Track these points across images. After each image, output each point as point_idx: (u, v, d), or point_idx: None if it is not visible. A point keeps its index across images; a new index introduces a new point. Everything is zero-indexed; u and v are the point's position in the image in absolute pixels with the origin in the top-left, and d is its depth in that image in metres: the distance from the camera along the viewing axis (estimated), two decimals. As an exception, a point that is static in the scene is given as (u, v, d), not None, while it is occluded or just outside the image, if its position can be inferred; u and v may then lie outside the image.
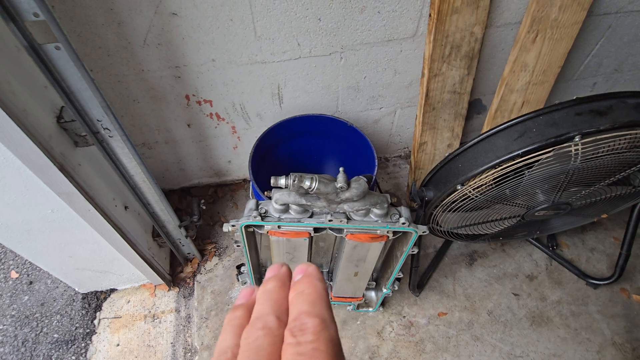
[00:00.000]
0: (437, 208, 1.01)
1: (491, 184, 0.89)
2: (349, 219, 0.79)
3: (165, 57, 1.02)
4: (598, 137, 0.75)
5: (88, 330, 1.21)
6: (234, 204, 1.49)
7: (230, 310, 0.23)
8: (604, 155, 0.80)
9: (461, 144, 1.39)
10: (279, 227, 0.80)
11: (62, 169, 0.73)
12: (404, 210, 0.83)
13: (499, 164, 0.84)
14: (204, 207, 1.22)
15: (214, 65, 1.07)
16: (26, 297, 1.28)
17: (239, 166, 1.47)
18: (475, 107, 1.45)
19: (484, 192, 0.91)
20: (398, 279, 1.05)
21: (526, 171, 0.86)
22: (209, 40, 1.00)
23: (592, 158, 0.80)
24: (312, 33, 1.05)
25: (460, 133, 1.31)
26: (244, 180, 1.55)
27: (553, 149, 0.78)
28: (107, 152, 0.82)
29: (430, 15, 1.06)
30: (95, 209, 0.85)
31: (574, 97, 0.82)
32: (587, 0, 1.05)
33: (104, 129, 0.77)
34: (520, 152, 0.80)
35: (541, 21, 1.09)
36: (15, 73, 0.64)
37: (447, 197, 0.95)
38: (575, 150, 0.77)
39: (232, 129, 1.30)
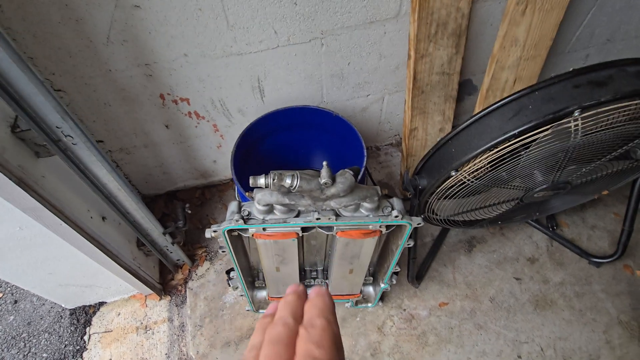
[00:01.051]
0: (432, 196, 0.96)
1: (487, 168, 0.84)
2: (337, 215, 0.74)
3: (133, 54, 0.95)
4: (599, 110, 0.70)
5: (78, 347, 1.16)
6: (223, 205, 1.44)
7: (260, 318, 0.32)
8: (604, 130, 0.75)
9: (453, 127, 1.34)
10: (264, 229, 0.75)
11: (22, 183, 0.67)
12: (396, 202, 0.78)
13: (493, 146, 0.79)
14: (189, 212, 1.16)
15: (186, 61, 1.00)
16: (12, 317, 1.23)
17: (225, 165, 1.41)
18: (465, 88, 1.40)
19: (480, 176, 0.86)
20: (395, 273, 1.00)
21: (523, 152, 0.82)
22: (179, 33, 0.94)
23: (592, 133, 0.75)
24: (289, 19, 0.98)
25: (452, 116, 1.26)
26: (232, 179, 1.49)
27: (551, 126, 0.73)
28: (73, 161, 0.76)
29: (412, -8, 0.99)
30: (67, 223, 0.79)
31: (571, 69, 0.76)
32: (577, -34, 0.99)
33: (66, 136, 0.71)
34: (516, 132, 0.75)
35: (530, -9, 1.03)
36: (-45, 81, 0.58)
37: (442, 184, 0.90)
38: (575, 125, 0.72)
39: (214, 127, 1.23)
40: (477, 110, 1.31)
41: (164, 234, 1.08)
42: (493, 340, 1.12)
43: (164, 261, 1.21)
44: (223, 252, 0.82)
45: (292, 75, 1.14)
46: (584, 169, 0.91)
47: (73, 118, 0.68)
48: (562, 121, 0.73)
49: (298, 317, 0.28)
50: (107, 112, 1.07)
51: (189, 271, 1.28)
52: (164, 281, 1.26)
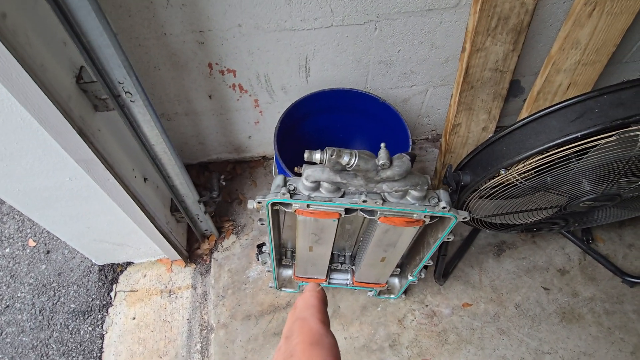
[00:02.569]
0: (473, 194, 0.94)
1: (539, 170, 0.81)
2: (384, 200, 0.73)
3: (189, 19, 0.95)
4: (674, 120, 0.67)
5: (104, 302, 1.19)
6: (253, 181, 1.45)
7: None
8: (674, 142, 0.71)
9: (497, 127, 1.30)
10: (307, 206, 0.74)
11: (82, 133, 0.69)
12: (443, 193, 0.76)
13: (551, 148, 0.76)
14: (224, 183, 1.17)
15: (240, 31, 1.00)
16: (43, 266, 1.28)
17: (260, 142, 1.41)
18: (512, 89, 1.36)
19: (530, 178, 0.83)
20: (426, 267, 0.99)
21: (574, 158, 0.79)
22: (236, 1, 0.93)
23: (660, 145, 0.72)
24: (347, -2, 0.96)
25: (498, 115, 1.22)
26: (264, 157, 1.49)
27: (617, 133, 0.70)
28: (128, 118, 0.77)
29: (478, -19, 0.96)
30: (115, 178, 0.81)
31: (644, 76, 0.73)
32: (657, -31, 0.94)
33: (126, 92, 0.72)
34: (578, 134, 0.72)
35: (601, -8, 0.98)
36: (33, 24, 0.59)
37: (487, 182, 0.88)
38: (644, 134, 0.69)
39: (255, 103, 1.23)
40: (524, 112, 1.27)
41: (199, 202, 1.10)
42: (515, 346, 1.10)
43: (194, 229, 1.23)
44: (262, 224, 0.83)
45: (340, 57, 1.12)
46: (639, 182, 0.88)
47: (136, 74, 0.69)
48: (631, 128, 0.70)
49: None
50: (156, 75, 1.08)
51: (215, 242, 1.30)
52: (191, 249, 1.29)
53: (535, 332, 1.13)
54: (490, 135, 1.01)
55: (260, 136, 1.38)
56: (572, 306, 1.17)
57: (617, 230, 1.31)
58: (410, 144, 0.98)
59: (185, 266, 1.26)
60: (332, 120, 1.19)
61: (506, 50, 1.07)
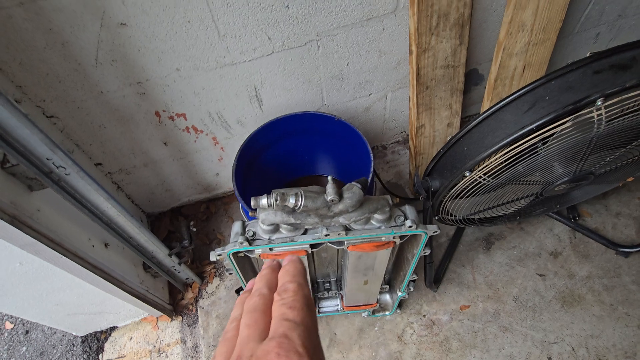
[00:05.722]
0: (446, 197, 0.91)
1: (503, 166, 0.79)
2: (347, 229, 0.70)
3: (124, 73, 0.91)
4: (624, 96, 0.64)
5: (92, 375, 1.13)
6: (229, 217, 1.40)
7: (240, 295, 0.32)
8: (632, 115, 0.69)
9: (462, 120, 1.28)
10: (270, 249, 0.71)
11: (15, 220, 0.64)
12: (409, 210, 0.73)
13: (509, 143, 0.73)
14: (194, 229, 1.13)
15: (179, 75, 0.97)
16: (24, 348, 1.21)
17: (228, 178, 1.37)
18: (471, 78, 1.34)
19: (496, 175, 0.80)
20: (413, 281, 0.96)
21: (541, 146, 0.76)
22: (169, 48, 0.90)
23: (618, 121, 0.69)
24: (282, 23, 0.94)
25: (460, 109, 1.20)
26: (236, 191, 1.45)
27: (570, 119, 0.68)
28: (68, 192, 0.73)
29: (410, -16, 0.94)
30: (66, 255, 0.76)
31: (589, 54, 0.71)
32: (584, -59, 0.93)
33: (58, 167, 0.68)
34: (533, 126, 0.70)
35: (535, -28, 0.97)
36: None
37: (455, 185, 0.85)
38: (598, 115, 0.67)
39: (214, 140, 1.20)
40: (485, 101, 1.25)
41: (170, 255, 1.05)
42: (520, 342, 1.06)
43: (173, 281, 1.18)
44: (230, 274, 0.79)
45: (290, 81, 1.09)
46: (608, 158, 0.85)
47: (62, 148, 0.65)
48: (583, 112, 0.67)
49: (273, 287, 0.30)
50: (103, 134, 1.04)
51: (199, 289, 1.25)
52: (174, 301, 1.23)
53: (538, 322, 1.09)
54: (450, 137, 0.99)
55: (227, 171, 1.34)
56: (571, 289, 1.14)
57: (601, 201, 1.29)
58: (372, 157, 0.95)
59: (171, 320, 1.20)
60: (293, 146, 1.16)
61: (453, 45, 1.05)
